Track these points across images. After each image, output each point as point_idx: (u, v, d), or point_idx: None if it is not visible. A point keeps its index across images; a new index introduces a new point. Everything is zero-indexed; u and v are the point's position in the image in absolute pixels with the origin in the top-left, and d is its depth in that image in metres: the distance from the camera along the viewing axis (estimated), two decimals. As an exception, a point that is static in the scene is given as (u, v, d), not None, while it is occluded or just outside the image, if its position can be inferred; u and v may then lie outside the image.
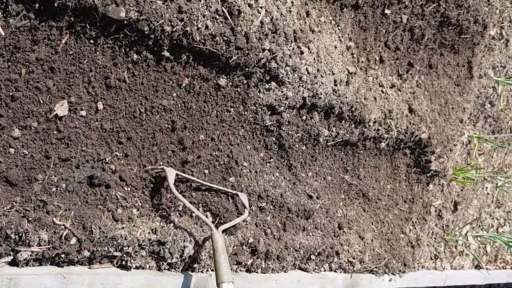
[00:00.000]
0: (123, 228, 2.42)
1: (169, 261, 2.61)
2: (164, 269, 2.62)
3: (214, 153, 2.79)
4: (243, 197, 2.90)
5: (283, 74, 2.81)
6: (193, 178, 2.68)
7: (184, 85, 2.55)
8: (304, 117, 3.08)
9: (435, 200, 4.33)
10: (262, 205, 2.99)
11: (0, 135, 2.08)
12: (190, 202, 2.68)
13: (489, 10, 4.03)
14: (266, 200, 3.02)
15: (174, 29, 2.34)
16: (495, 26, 4.41)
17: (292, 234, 3.15)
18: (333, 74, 3.10)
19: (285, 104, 2.93)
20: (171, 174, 2.55)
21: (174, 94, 2.55)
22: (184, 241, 2.64)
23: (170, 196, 2.60)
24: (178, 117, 2.60)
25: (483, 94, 4.51)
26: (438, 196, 4.39)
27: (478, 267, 5.04)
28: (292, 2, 2.85)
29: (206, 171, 2.77)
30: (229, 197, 2.87)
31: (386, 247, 3.85)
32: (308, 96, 3.00)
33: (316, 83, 3.00)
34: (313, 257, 3.28)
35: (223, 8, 2.49)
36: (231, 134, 2.84)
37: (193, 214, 2.68)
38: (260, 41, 2.65)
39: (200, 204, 2.74)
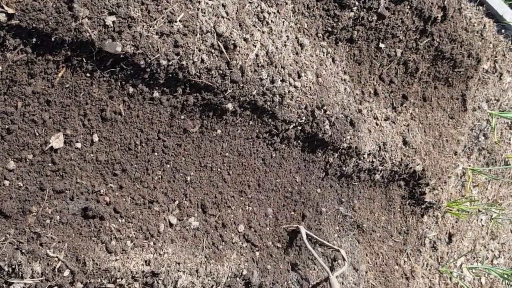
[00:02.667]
0: (116, 260, 2.41)
1: (162, 292, 2.60)
2: (157, 301, 2.61)
3: (211, 180, 2.80)
4: (343, 252, 3.46)
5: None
6: (314, 236, 3.26)
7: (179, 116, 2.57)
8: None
9: (429, 231, 4.33)
10: (255, 238, 2.99)
11: (-5, 167, 2.09)
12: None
13: (482, 45, 4.06)
14: (259, 233, 3.02)
15: (170, 63, 2.36)
16: (489, 60, 4.45)
17: (286, 270, 3.14)
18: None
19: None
20: (303, 231, 3.17)
21: (170, 126, 2.56)
22: (178, 271, 2.63)
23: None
24: (173, 148, 2.62)
25: (477, 126, 4.52)
26: (432, 227, 4.38)
27: (473, 299, 5.02)
28: (287, 36, 2.88)
29: (201, 200, 2.77)
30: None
31: (380, 279, 3.83)
32: (303, 129, 3.03)
33: (311, 116, 3.02)
34: (307, 289, 3.27)
35: (218, 42, 2.51)
36: (231, 162, 2.85)
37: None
38: (255, 73, 2.67)
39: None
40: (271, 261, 3.07)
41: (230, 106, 2.66)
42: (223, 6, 2.55)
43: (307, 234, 3.20)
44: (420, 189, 4.01)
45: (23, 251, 2.14)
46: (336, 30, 3.13)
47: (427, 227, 4.25)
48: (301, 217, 3.26)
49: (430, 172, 3.95)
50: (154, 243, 2.57)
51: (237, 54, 2.57)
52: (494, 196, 5.05)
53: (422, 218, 4.17)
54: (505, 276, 5.19)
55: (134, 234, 2.50)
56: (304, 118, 2.96)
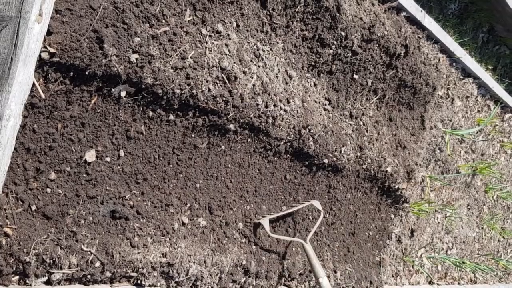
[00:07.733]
0: (138, 253, 2.40)
1: (176, 279, 2.58)
2: (172, 286, 2.59)
3: (217, 187, 2.79)
4: (316, 203, 3.12)
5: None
6: (279, 214, 2.97)
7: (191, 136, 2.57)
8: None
9: (395, 228, 4.31)
10: (251, 240, 2.98)
11: (40, 177, 2.07)
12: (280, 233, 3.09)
13: (437, 75, 4.07)
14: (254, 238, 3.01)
15: (183, 92, 2.35)
16: (443, 88, 4.46)
17: (278, 261, 3.13)
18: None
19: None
20: (265, 223, 2.87)
21: (182, 143, 2.56)
22: (189, 262, 2.62)
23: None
24: (185, 161, 2.61)
25: (433, 142, 4.52)
26: (398, 224, 4.37)
27: (431, 283, 4.99)
28: (278, 69, 2.88)
29: (208, 203, 2.76)
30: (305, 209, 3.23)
31: (356, 267, 3.81)
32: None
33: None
34: (296, 276, 3.25)
35: (222, 75, 2.51)
36: (231, 173, 2.84)
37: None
38: (253, 100, 2.66)
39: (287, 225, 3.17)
40: (265, 253, 3.05)
41: (232, 126, 2.66)
42: (226, 45, 2.56)
43: (270, 219, 2.97)
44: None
45: (62, 246, 2.13)
46: (318, 64, 3.13)
47: (393, 224, 4.24)
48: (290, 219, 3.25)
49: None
50: (170, 239, 2.56)
51: (238, 84, 2.57)
52: (448, 199, 5.05)
53: (393, 217, 4.16)
54: (457, 263, 5.19)
55: (153, 231, 2.49)
56: (292, 136, 2.96)
